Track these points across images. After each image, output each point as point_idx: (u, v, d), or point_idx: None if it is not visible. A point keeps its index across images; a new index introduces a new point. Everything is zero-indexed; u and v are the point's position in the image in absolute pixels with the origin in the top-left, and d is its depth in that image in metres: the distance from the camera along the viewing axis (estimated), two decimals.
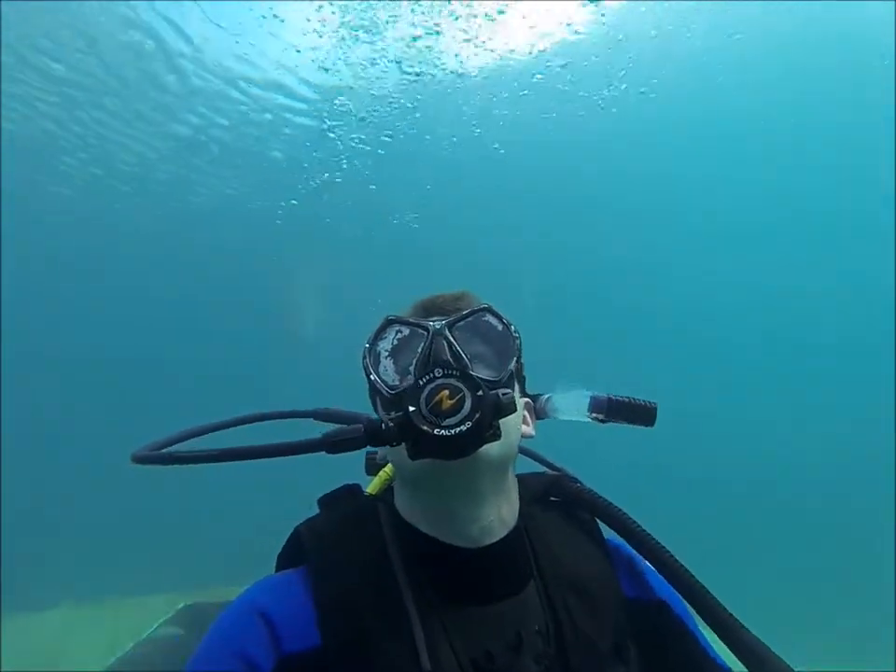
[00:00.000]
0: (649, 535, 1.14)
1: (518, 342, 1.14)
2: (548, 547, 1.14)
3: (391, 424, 1.00)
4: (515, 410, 1.04)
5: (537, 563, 1.12)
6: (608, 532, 1.21)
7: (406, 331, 1.13)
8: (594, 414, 1.25)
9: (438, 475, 1.02)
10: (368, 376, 1.13)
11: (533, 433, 1.21)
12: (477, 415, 0.98)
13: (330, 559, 1.06)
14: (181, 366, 15.74)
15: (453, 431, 0.96)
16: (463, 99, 12.11)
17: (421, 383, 1.01)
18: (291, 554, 1.14)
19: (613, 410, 1.25)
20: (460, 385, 1.00)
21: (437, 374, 1.01)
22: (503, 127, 12.80)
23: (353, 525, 1.12)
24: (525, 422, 1.19)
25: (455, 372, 1.01)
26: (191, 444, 1.26)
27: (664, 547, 1.13)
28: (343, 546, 1.08)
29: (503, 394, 1.02)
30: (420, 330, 1.11)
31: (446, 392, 0.99)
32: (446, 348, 1.07)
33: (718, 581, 1.18)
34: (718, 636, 1.07)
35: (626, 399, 1.25)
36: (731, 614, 1.07)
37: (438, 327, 1.10)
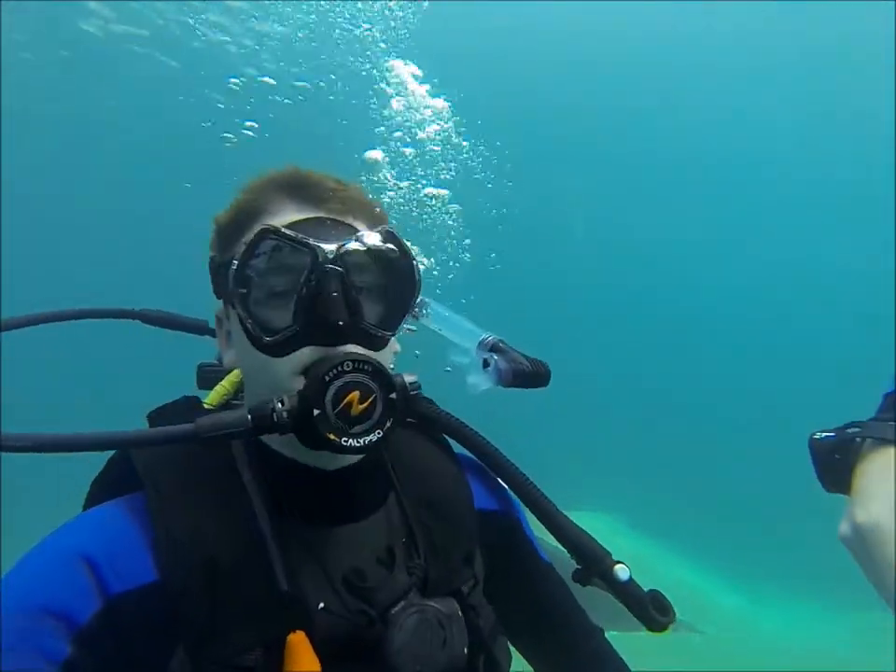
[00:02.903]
0: (495, 449, 1.18)
1: (419, 281, 1.02)
2: (405, 463, 1.13)
3: (285, 415, 0.87)
4: (421, 397, 1.00)
5: (396, 480, 1.11)
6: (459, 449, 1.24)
7: (286, 248, 0.94)
8: (500, 385, 1.19)
9: None
10: (223, 295, 0.99)
11: (398, 349, 1.14)
12: (388, 423, 0.90)
13: (170, 483, 0.94)
14: None
15: (362, 441, 0.88)
16: None
17: (327, 378, 0.87)
18: (114, 481, 1.00)
19: (516, 379, 1.19)
20: (372, 387, 0.89)
21: (345, 368, 0.88)
22: None
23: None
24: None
25: (366, 367, 0.89)
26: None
27: (508, 460, 1.19)
28: (185, 467, 0.96)
29: (411, 383, 0.96)
30: (305, 252, 0.93)
31: (356, 394, 0.88)
32: (338, 288, 0.91)
33: None
34: (549, 530, 1.16)
35: (523, 370, 1.19)
36: (559, 511, 1.17)
37: (329, 254, 0.92)
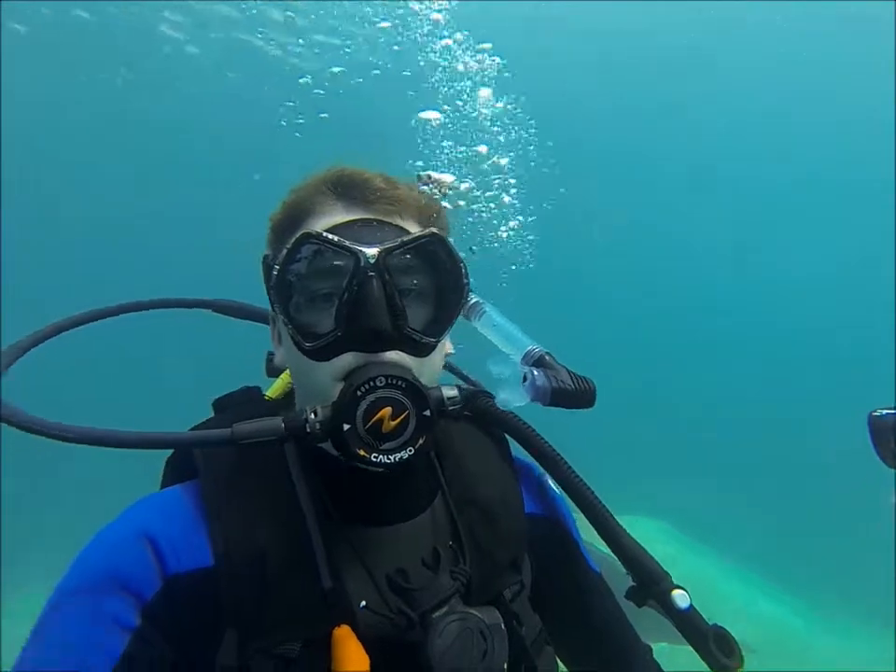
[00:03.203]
0: (555, 452, 1.14)
1: (468, 285, 0.99)
2: (456, 462, 1.11)
3: (317, 427, 0.87)
4: (461, 412, 0.96)
5: (445, 479, 1.09)
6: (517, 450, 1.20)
7: (328, 252, 0.92)
8: (535, 402, 1.09)
9: None
10: (272, 307, 0.97)
11: (452, 350, 1.13)
12: (421, 441, 0.88)
13: (225, 476, 0.96)
14: None
15: (392, 458, 0.87)
16: None
17: (359, 393, 0.85)
18: (181, 464, 1.03)
19: (555, 398, 1.07)
20: (405, 403, 0.87)
21: (378, 384, 0.86)
22: None
23: None
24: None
25: (400, 383, 0.87)
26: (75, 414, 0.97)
27: (564, 460, 1.14)
28: (239, 462, 0.98)
29: (449, 398, 0.94)
30: (347, 256, 0.91)
31: (388, 410, 0.86)
32: (380, 293, 0.89)
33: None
34: (605, 541, 1.12)
35: (568, 390, 1.08)
36: (617, 522, 1.12)
37: (371, 259, 0.90)
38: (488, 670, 0.92)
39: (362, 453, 0.86)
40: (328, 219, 0.98)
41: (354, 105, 11.89)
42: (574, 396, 1.07)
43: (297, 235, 0.92)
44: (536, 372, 1.05)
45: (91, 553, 0.91)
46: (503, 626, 0.96)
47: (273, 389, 1.22)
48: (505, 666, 0.94)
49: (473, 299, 1.20)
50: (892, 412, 1.05)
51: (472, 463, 1.13)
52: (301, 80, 10.70)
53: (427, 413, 0.89)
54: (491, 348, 1.20)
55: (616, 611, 1.19)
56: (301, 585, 0.91)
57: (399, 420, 0.87)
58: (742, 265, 20.67)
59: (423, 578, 0.96)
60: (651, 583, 1.07)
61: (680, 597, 1.04)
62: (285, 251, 0.92)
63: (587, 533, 1.22)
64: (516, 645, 1.00)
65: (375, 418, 0.86)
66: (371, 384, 0.86)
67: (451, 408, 0.94)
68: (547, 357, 1.12)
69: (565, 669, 1.20)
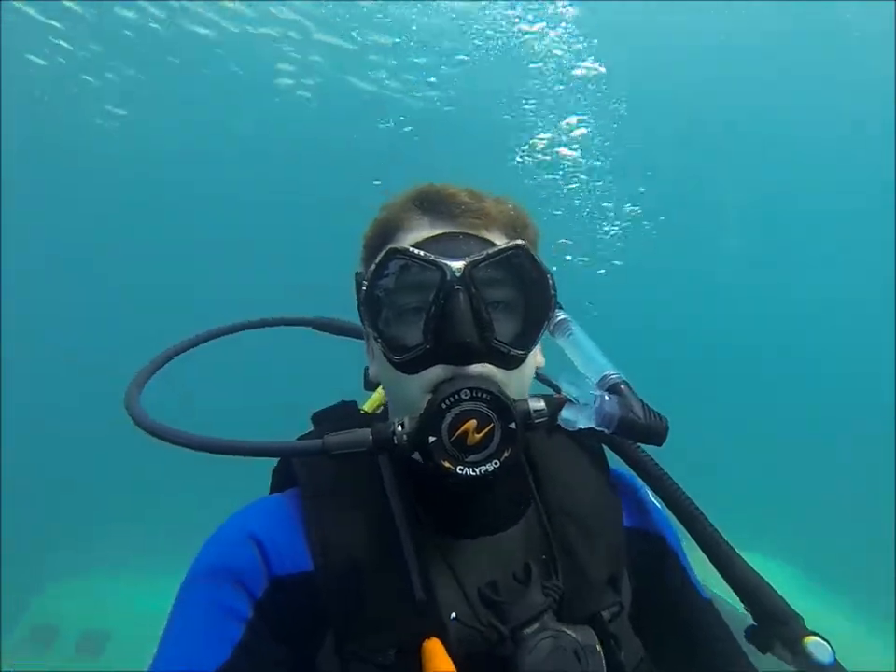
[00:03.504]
0: (656, 464, 1.11)
1: (555, 296, 0.98)
2: (550, 475, 1.09)
3: (404, 438, 0.89)
4: (546, 424, 0.93)
5: (539, 490, 1.07)
6: (613, 461, 1.17)
7: (414, 267, 0.94)
8: (599, 428, 1.02)
9: None
10: (362, 322, 1.00)
11: (543, 363, 1.12)
12: (506, 454, 0.87)
13: (322, 486, 1.00)
14: None
15: (477, 471, 0.87)
16: None
17: (444, 406, 0.87)
18: (283, 474, 1.09)
19: (621, 428, 1.01)
20: (489, 415, 0.87)
21: (463, 396, 0.87)
22: None
23: None
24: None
25: (484, 395, 0.87)
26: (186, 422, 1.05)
27: (669, 477, 1.10)
28: (335, 472, 1.02)
29: (535, 411, 0.92)
30: (433, 270, 0.92)
31: (473, 423, 0.86)
32: (466, 306, 0.89)
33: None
34: (717, 569, 1.06)
35: (636, 421, 1.01)
36: (731, 547, 1.06)
37: (457, 273, 0.91)
38: None
39: (447, 465, 0.86)
40: (415, 234, 0.99)
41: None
42: (642, 429, 1.01)
43: (384, 251, 0.94)
44: (607, 398, 1.00)
45: (207, 553, 0.98)
46: (598, 647, 0.91)
47: (370, 403, 1.26)
48: None
49: (561, 315, 1.17)
50: None
51: (567, 474, 1.10)
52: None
53: (513, 425, 0.88)
54: (571, 367, 1.16)
55: (730, 645, 1.08)
56: (394, 595, 0.92)
57: (484, 433, 0.87)
58: None
59: (513, 592, 0.95)
60: (776, 623, 0.98)
61: (818, 647, 0.93)
62: (373, 267, 0.95)
63: (698, 569, 1.13)
64: (614, 670, 0.94)
65: (460, 431, 0.86)
66: (456, 396, 0.87)
67: (537, 420, 0.93)
68: (623, 386, 1.06)
69: None
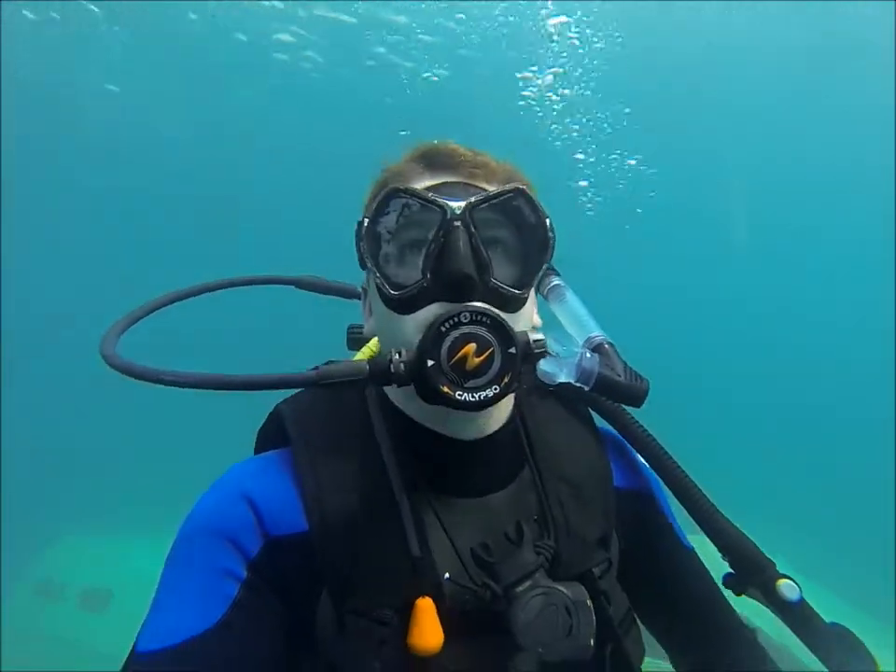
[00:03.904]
0: (641, 426, 1.13)
1: (553, 240, 0.97)
2: (543, 437, 1.10)
3: (402, 367, 0.88)
4: (545, 356, 0.93)
5: (532, 453, 1.08)
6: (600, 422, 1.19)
7: (415, 207, 0.94)
8: (578, 384, 1.02)
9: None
10: (363, 260, 0.99)
11: (540, 324, 1.11)
12: (506, 379, 0.86)
13: (316, 444, 1.00)
14: None
15: (477, 396, 0.86)
16: None
17: (443, 329, 0.85)
18: (272, 433, 1.08)
19: (599, 385, 1.01)
20: (490, 339, 0.86)
21: (463, 319, 0.86)
22: None
23: (338, 409, 1.05)
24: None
25: (485, 319, 0.86)
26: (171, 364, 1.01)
27: (655, 439, 1.12)
28: (329, 430, 1.02)
29: (535, 341, 0.91)
30: (434, 209, 0.92)
31: (473, 346, 0.85)
32: (465, 242, 0.89)
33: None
34: (699, 524, 1.09)
35: (614, 379, 1.01)
36: (713, 505, 1.09)
37: (457, 210, 0.91)
38: (573, 646, 0.91)
39: (446, 389, 0.85)
40: (416, 183, 0.99)
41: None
42: (621, 388, 1.01)
43: (386, 190, 0.94)
44: (588, 355, 0.99)
45: (201, 512, 0.97)
46: (589, 603, 0.93)
47: (357, 359, 1.22)
48: (591, 643, 0.92)
49: (555, 281, 1.17)
50: None
51: (558, 436, 1.12)
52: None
53: (513, 350, 0.87)
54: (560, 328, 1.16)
55: (713, 591, 1.14)
56: (390, 552, 0.93)
57: (484, 356, 0.86)
58: None
59: (505, 551, 0.96)
60: (753, 572, 1.01)
61: (788, 588, 0.96)
62: (374, 205, 0.95)
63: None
64: (604, 623, 0.97)
65: (460, 354, 0.85)
66: (456, 319, 0.86)
67: (537, 351, 0.92)
68: (606, 346, 1.06)
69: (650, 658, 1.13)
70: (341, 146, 13.01)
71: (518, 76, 10.56)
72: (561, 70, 10.34)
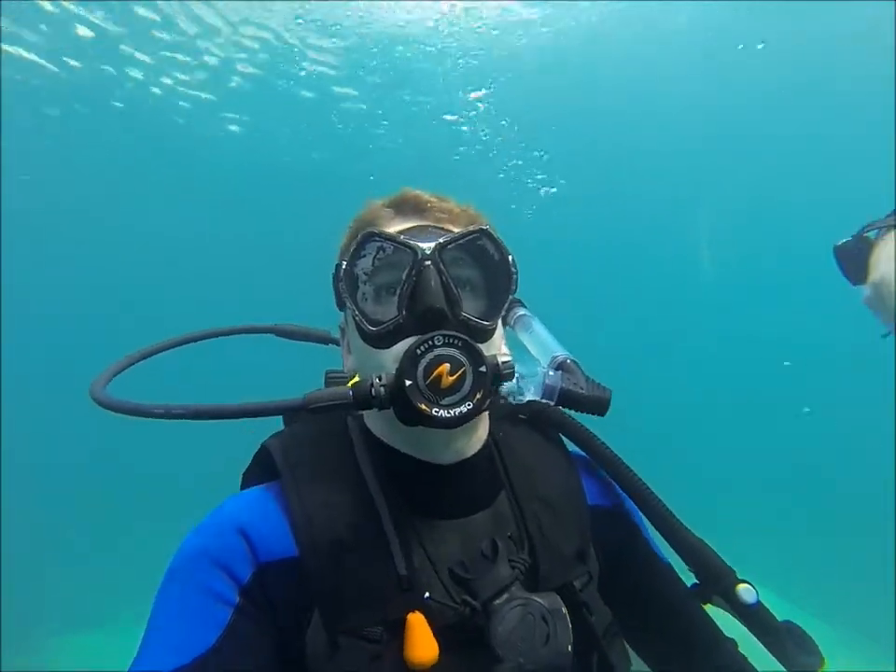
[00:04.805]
0: (608, 448, 1.18)
1: (516, 275, 1.05)
2: (517, 460, 1.16)
3: (382, 390, 0.95)
4: (513, 377, 1.00)
5: (507, 476, 1.13)
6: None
7: (389, 249, 1.03)
8: (544, 399, 1.16)
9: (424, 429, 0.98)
10: (341, 300, 1.06)
11: (509, 356, 1.17)
12: (478, 396, 0.93)
13: (303, 473, 1.05)
14: None
15: (452, 412, 0.92)
16: None
17: (419, 352, 0.93)
18: (258, 471, 1.13)
19: (563, 398, 1.15)
20: (462, 360, 0.93)
21: (436, 342, 0.93)
22: None
23: (323, 441, 1.11)
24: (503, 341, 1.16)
25: (456, 342, 0.94)
26: (158, 397, 1.09)
27: (621, 460, 1.18)
28: (315, 460, 1.07)
29: (503, 363, 0.98)
30: (406, 251, 1.00)
31: (446, 367, 0.92)
32: (436, 281, 0.97)
33: None
34: (664, 538, 1.14)
35: (577, 392, 1.15)
36: (677, 519, 1.14)
37: (427, 251, 0.99)
38: (552, 653, 0.95)
39: (423, 407, 0.92)
40: (388, 228, 1.08)
41: None
42: (584, 400, 1.14)
43: (361, 234, 1.02)
44: (551, 373, 1.09)
45: (193, 543, 1.00)
46: (564, 610, 0.98)
47: None
48: (569, 649, 0.96)
49: (521, 312, 1.26)
50: (849, 238, 1.29)
51: (531, 459, 1.17)
52: None
53: (483, 368, 0.94)
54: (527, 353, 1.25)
55: (692, 603, 1.17)
56: (377, 572, 0.97)
57: (457, 375, 0.93)
58: None
59: (481, 568, 1.00)
60: (715, 580, 1.06)
61: (746, 592, 1.02)
62: (352, 248, 1.03)
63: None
64: (587, 634, 1.02)
65: (435, 373, 0.92)
66: (430, 343, 0.93)
67: (505, 371, 0.99)
68: (569, 363, 1.17)
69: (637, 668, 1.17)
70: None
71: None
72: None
